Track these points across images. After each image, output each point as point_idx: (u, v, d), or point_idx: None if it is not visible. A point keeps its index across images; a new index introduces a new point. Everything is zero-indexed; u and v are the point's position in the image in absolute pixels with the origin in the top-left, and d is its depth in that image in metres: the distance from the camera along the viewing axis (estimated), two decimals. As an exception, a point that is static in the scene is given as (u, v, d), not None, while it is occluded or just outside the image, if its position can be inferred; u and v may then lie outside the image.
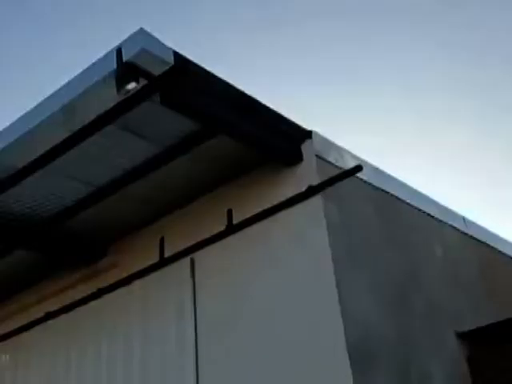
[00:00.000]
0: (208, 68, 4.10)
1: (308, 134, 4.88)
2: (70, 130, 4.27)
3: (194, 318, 4.90)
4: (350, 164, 4.97)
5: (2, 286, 6.33)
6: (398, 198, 5.55)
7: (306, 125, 4.91)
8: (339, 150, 5.11)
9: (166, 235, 5.53)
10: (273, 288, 4.54)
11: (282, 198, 4.77)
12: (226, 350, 4.63)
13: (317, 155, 4.82)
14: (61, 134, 4.31)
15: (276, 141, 4.68)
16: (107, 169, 4.85)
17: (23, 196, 4.97)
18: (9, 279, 6.18)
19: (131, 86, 3.71)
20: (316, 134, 4.95)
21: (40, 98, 4.28)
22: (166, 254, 5.42)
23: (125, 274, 5.61)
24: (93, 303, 5.75)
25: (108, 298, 5.64)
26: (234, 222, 5.04)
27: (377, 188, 5.31)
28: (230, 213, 5.11)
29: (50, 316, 6.03)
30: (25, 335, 6.24)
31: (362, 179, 5.07)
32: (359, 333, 4.12)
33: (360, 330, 4.15)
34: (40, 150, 4.42)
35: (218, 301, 4.88)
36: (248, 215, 4.94)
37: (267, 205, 4.85)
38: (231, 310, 4.76)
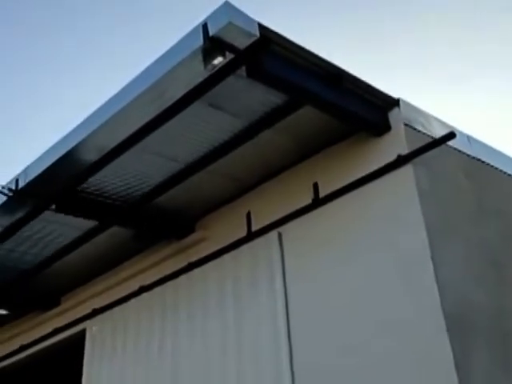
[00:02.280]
0: (292, 39, 4.05)
1: (395, 102, 4.76)
2: (158, 108, 4.36)
3: (284, 290, 4.94)
4: (439, 131, 4.81)
5: (100, 261, 6.62)
6: (490, 166, 5.33)
7: (391, 93, 4.79)
8: (427, 118, 4.95)
9: (253, 209, 5.58)
10: (363, 260, 4.50)
11: (370, 170, 4.69)
12: (317, 323, 4.64)
13: (405, 123, 4.69)
14: (150, 113, 4.41)
15: (363, 110, 4.59)
16: (194, 145, 4.94)
17: (115, 175, 5.15)
18: (106, 255, 6.46)
19: (218, 60, 3.73)
20: (403, 101, 4.81)
21: (128, 79, 4.41)
22: (254, 228, 5.48)
23: (214, 249, 5.73)
24: (184, 277, 5.92)
25: (199, 271, 5.79)
26: (321, 195, 5.02)
27: (468, 155, 5.12)
28: (315, 186, 5.09)
29: (144, 289, 6.27)
30: (122, 307, 6.52)
31: (452, 146, 4.90)
32: (456, 305, 4.02)
33: (457, 302, 4.04)
34: (130, 130, 4.55)
35: (307, 275, 4.89)
36: (334, 188, 4.90)
37: (354, 177, 4.79)
38: (321, 282, 4.76)
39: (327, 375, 4.43)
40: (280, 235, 5.18)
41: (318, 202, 4.99)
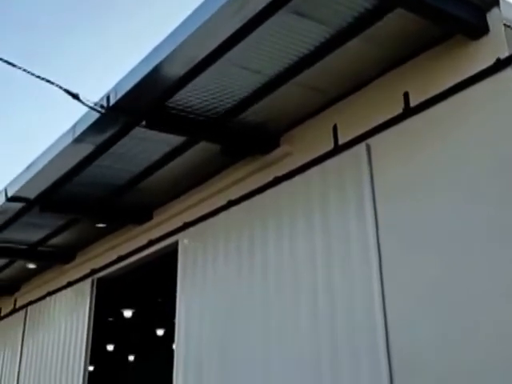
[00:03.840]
0: None
1: (495, 2, 4.40)
2: (242, 18, 4.26)
3: (373, 205, 4.89)
4: (543, 32, 4.42)
5: (189, 176, 6.79)
6: None
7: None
8: (530, 18, 4.55)
9: (339, 122, 5.47)
10: (461, 173, 4.33)
11: (466, 76, 4.43)
12: (408, 240, 4.59)
13: (505, 24, 4.34)
14: (234, 24, 4.33)
15: (459, 11, 4.27)
16: (279, 57, 4.83)
17: (202, 90, 5.15)
18: (195, 170, 6.61)
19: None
20: (504, 0, 4.44)
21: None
22: (341, 142, 5.40)
23: (299, 163, 5.71)
24: (271, 191, 5.99)
25: (285, 186, 5.82)
26: (412, 104, 4.82)
27: None
28: (406, 95, 4.88)
29: (232, 203, 6.42)
30: (211, 221, 6.73)
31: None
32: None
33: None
34: (216, 42, 4.50)
35: (397, 188, 4.80)
36: (427, 97, 4.69)
37: (448, 84, 4.55)
38: (413, 198, 4.66)
39: (417, 292, 4.43)
40: (368, 147, 5.07)
41: (408, 111, 4.80)
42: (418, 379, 4.28)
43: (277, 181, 5.92)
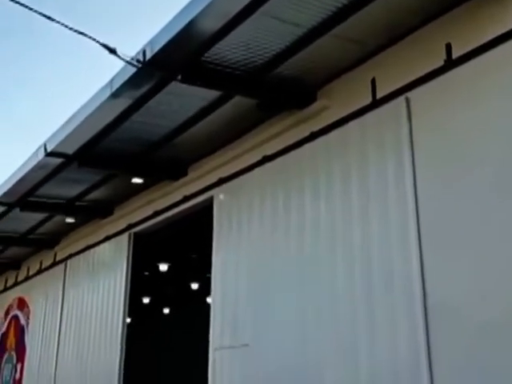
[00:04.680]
0: None
1: None
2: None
3: (412, 159, 4.82)
4: None
5: (224, 131, 6.78)
6: None
7: None
8: None
9: (378, 75, 5.35)
10: (503, 129, 4.22)
11: (509, 28, 4.27)
12: (446, 197, 4.53)
13: (555, -30, 4.14)
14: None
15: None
16: (317, 8, 4.71)
17: (238, 43, 5.09)
18: (230, 125, 6.59)
19: None
20: None
21: None
22: (379, 95, 5.29)
23: (336, 117, 5.64)
24: (307, 146, 5.94)
25: (322, 141, 5.77)
26: (454, 56, 4.68)
27: None
28: (448, 47, 4.73)
29: (267, 159, 6.41)
30: (246, 177, 6.75)
31: None
32: None
33: None
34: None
35: (437, 144, 4.70)
36: (470, 48, 4.54)
37: (492, 34, 4.39)
38: (451, 152, 4.57)
39: (455, 248, 4.40)
40: (408, 101, 4.96)
41: (451, 63, 4.66)
42: (454, 331, 4.29)
43: (313, 136, 5.87)
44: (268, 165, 6.41)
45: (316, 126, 5.87)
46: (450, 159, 4.58)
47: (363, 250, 5.08)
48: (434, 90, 4.79)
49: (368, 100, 5.38)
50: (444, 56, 4.74)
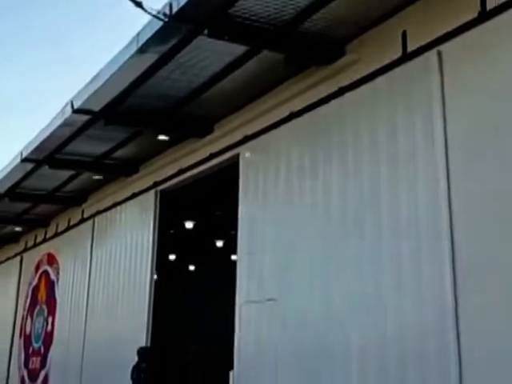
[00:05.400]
0: None
1: None
2: None
3: (443, 116, 4.73)
4: None
5: (251, 87, 6.70)
6: None
7: None
8: None
9: (409, 28, 5.20)
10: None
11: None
12: (477, 154, 4.46)
13: None
14: None
15: None
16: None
17: (266, -5, 4.99)
18: (257, 81, 6.52)
19: None
20: None
21: None
22: (410, 49, 5.17)
23: (365, 72, 5.54)
24: (334, 102, 5.86)
25: (350, 96, 5.69)
26: (489, 7, 4.52)
27: None
28: (483, -2, 4.58)
29: (294, 115, 6.35)
30: (273, 134, 6.71)
31: None
32: None
33: None
34: None
35: (470, 101, 4.59)
36: (505, -1, 4.39)
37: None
38: (485, 109, 4.46)
39: (485, 206, 4.35)
40: (440, 54, 4.83)
41: (485, 15, 4.51)
42: (482, 287, 4.28)
43: (341, 91, 5.78)
44: (295, 121, 6.36)
45: (344, 81, 5.77)
46: (484, 119, 4.46)
47: (392, 208, 5.05)
48: (467, 44, 4.66)
49: (398, 53, 5.26)
50: (478, 7, 4.59)
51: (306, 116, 6.24)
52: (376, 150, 5.32)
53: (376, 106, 5.35)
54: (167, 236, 11.53)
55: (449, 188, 4.60)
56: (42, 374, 12.01)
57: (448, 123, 4.69)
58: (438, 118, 4.75)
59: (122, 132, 7.97)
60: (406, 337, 4.77)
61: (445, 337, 4.43)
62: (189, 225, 12.56)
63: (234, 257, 9.37)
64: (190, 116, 7.52)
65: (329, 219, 5.74)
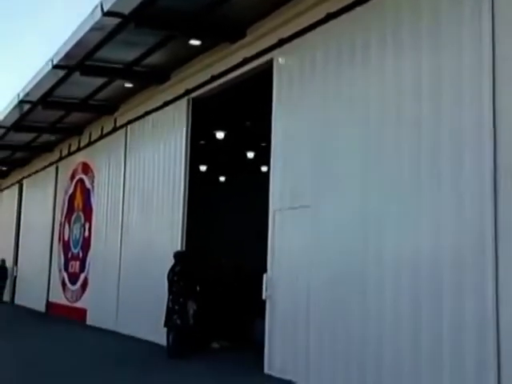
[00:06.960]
0: None
1: None
2: None
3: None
4: None
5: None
6: None
7: None
8: None
9: None
10: None
11: None
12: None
13: None
14: None
15: None
16: None
17: None
18: None
19: None
20: None
21: None
22: None
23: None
24: (373, 1, 5.57)
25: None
26: None
27: None
28: None
29: (331, 16, 6.07)
30: (308, 37, 6.45)
31: None
32: None
33: None
34: None
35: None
36: None
37: None
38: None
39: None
40: None
41: None
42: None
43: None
44: (332, 22, 6.08)
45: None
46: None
47: (432, 119, 4.90)
48: None
49: None
50: None
51: (344, 16, 5.95)
52: (418, 46, 5.11)
53: (419, 4, 5.06)
54: (198, 147, 11.52)
55: (493, 97, 4.45)
56: (82, 277, 12.55)
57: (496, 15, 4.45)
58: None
59: (153, 36, 7.78)
60: (443, 246, 4.75)
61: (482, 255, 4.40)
62: (220, 134, 12.48)
63: (264, 168, 9.26)
64: (223, 19, 7.27)
65: (367, 119, 5.60)
